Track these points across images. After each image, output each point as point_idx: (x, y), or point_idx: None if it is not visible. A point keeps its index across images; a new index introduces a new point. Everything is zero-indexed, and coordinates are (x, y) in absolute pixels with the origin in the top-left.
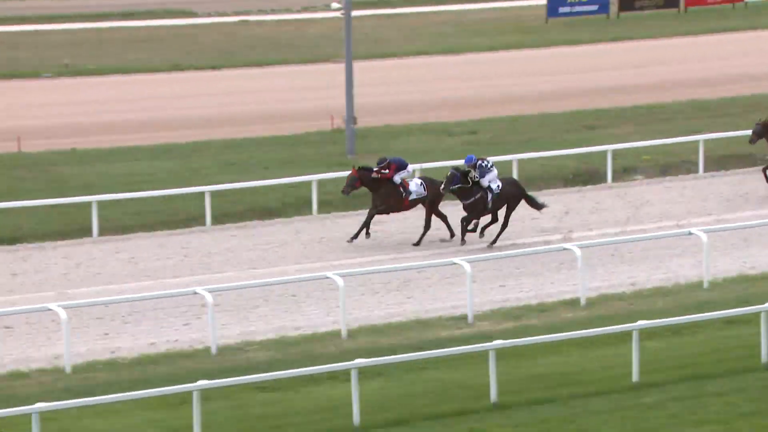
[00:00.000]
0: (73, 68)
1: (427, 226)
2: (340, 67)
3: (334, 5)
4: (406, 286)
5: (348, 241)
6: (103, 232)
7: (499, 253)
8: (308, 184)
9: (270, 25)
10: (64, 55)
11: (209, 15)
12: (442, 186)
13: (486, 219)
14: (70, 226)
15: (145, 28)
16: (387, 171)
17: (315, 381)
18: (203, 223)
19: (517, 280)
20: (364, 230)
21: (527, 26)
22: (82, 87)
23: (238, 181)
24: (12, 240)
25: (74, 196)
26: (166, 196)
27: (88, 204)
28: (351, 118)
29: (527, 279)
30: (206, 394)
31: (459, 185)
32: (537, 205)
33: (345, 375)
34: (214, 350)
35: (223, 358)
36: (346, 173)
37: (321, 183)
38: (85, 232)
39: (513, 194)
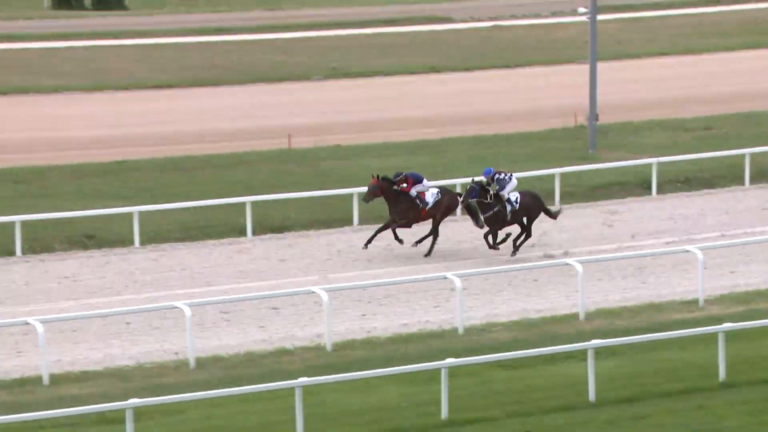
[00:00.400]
0: (339, 71)
1: (435, 234)
2: (584, 68)
3: (581, 10)
4: (641, 272)
5: (363, 248)
6: (362, 221)
7: (729, 241)
8: (552, 176)
9: (521, 29)
10: (332, 59)
11: (465, 21)
12: (461, 198)
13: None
14: (333, 216)
15: (406, 33)
16: (405, 185)
17: (553, 360)
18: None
19: (747, 267)
20: (393, 237)
21: (763, 28)
22: (347, 88)
23: None
24: (281, 228)
25: (337, 188)
26: None
27: (350, 195)
28: (593, 116)
29: (757, 266)
30: (453, 371)
31: (477, 198)
32: (552, 215)
33: (581, 355)
34: (461, 330)
35: (469, 338)
36: (589, 167)
37: (564, 176)
38: (347, 221)
39: (532, 205)
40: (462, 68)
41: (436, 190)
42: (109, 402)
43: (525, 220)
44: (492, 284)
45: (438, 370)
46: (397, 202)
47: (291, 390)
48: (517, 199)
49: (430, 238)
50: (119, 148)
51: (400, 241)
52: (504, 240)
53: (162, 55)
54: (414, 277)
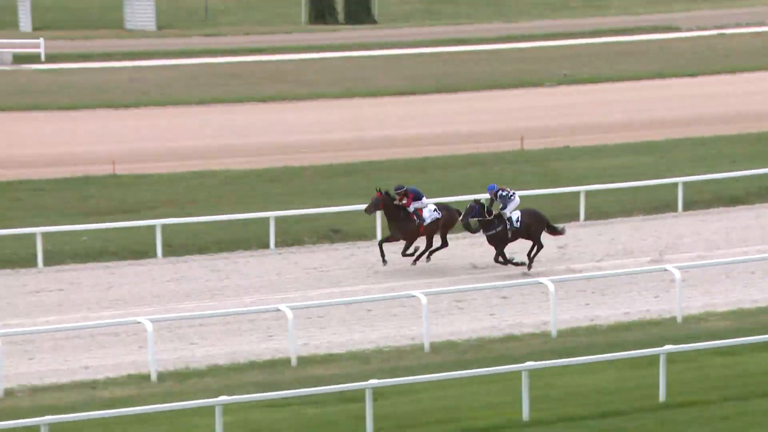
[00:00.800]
0: (570, 78)
1: (444, 243)
2: None
3: None
4: None
5: (383, 264)
6: (588, 217)
7: None
8: None
9: (745, 37)
10: (564, 66)
11: (691, 29)
12: (461, 217)
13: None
14: (561, 212)
15: (635, 42)
16: (405, 200)
17: None
18: (675, 209)
19: None
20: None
21: None
22: (577, 93)
23: (708, 173)
24: None
25: (565, 186)
26: (642, 186)
27: (577, 194)
28: None
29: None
30: (671, 357)
31: (477, 218)
32: (557, 232)
33: None
34: (679, 319)
35: (687, 326)
36: None
37: None
38: (574, 216)
39: (532, 223)
40: (687, 74)
41: (433, 207)
42: (351, 382)
43: (531, 236)
44: (710, 276)
45: (656, 356)
46: (397, 218)
47: (518, 373)
48: (518, 218)
49: (440, 249)
50: (360, 150)
51: (384, 261)
52: (512, 260)
53: (406, 64)
54: (633, 270)
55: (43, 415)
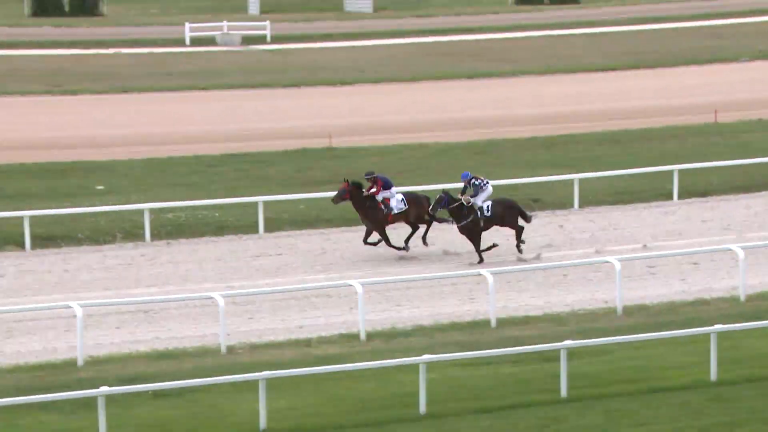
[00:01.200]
0: (766, 53)
1: (415, 228)
2: None
3: None
4: None
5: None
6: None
7: None
8: None
9: None
10: (760, 42)
11: None
12: (430, 208)
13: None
14: (752, 182)
15: None
16: (374, 188)
17: None
18: None
19: None
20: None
21: None
22: None
23: None
24: (704, 193)
25: (758, 157)
26: None
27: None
28: None
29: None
30: None
31: (447, 207)
32: (527, 217)
33: None
34: None
35: None
36: None
37: None
38: (765, 186)
39: (503, 213)
40: None
41: (401, 197)
42: (547, 343)
43: (508, 226)
44: None
45: None
46: (364, 207)
47: (707, 336)
48: (488, 207)
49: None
50: (563, 123)
51: (374, 244)
52: (490, 248)
53: (607, 41)
54: None
55: (261, 371)
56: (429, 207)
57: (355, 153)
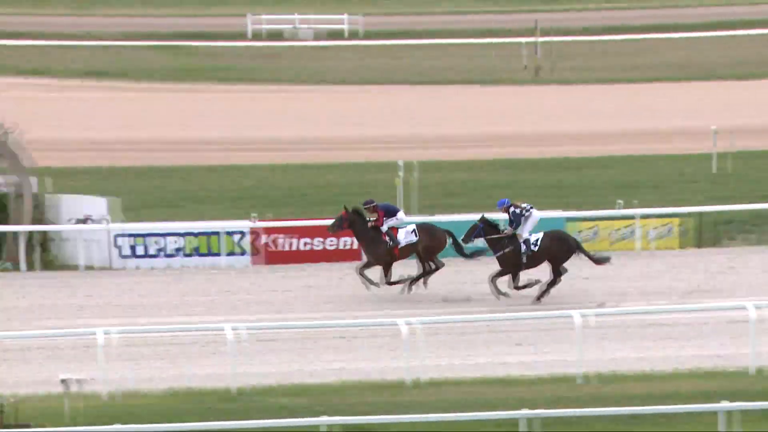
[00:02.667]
0: None
1: (429, 269)
2: None
3: None
4: None
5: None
6: None
7: None
8: None
9: None
10: None
11: None
12: (462, 237)
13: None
14: None
15: None
16: (375, 217)
17: None
18: None
19: None
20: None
21: None
22: None
23: None
24: None
25: None
26: None
27: None
28: None
29: None
30: None
31: (482, 237)
32: (595, 260)
33: None
34: None
35: None
36: None
37: None
38: None
39: (555, 249)
40: None
41: (411, 228)
42: None
43: (550, 264)
44: None
45: None
46: (366, 238)
47: None
48: (537, 241)
49: (432, 272)
50: None
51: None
52: (528, 285)
53: None
54: None
55: None
56: (447, 242)
57: None
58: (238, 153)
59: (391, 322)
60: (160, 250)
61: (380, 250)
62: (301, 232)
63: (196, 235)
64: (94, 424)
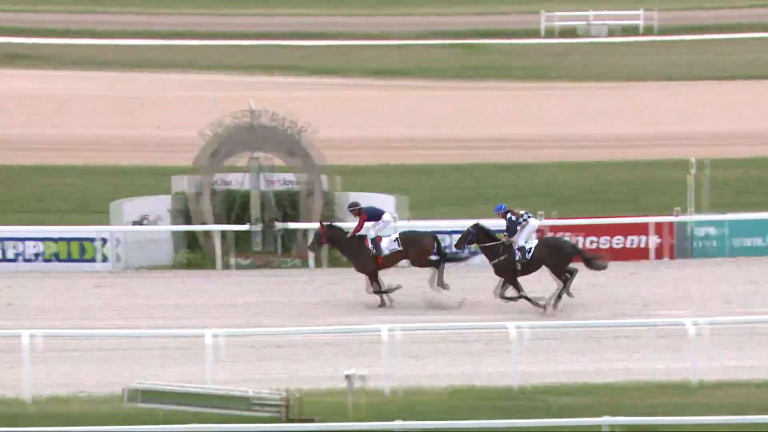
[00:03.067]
0: None
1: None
2: None
3: None
4: None
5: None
6: None
7: None
8: None
9: None
10: None
11: None
12: (455, 243)
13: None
14: None
15: None
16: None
17: None
18: None
19: None
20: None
21: None
22: None
23: None
24: None
25: None
26: None
27: None
28: None
29: None
30: None
31: (476, 244)
32: (592, 265)
33: None
34: None
35: None
36: None
37: None
38: None
39: (548, 255)
40: None
41: (395, 237)
42: None
43: (551, 271)
44: None
45: None
46: (349, 250)
47: None
48: (531, 248)
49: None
50: None
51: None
52: (515, 299)
53: None
54: None
55: None
56: (434, 247)
57: None
58: (526, 151)
59: (676, 322)
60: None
61: (364, 260)
62: (588, 230)
63: None
64: (376, 420)
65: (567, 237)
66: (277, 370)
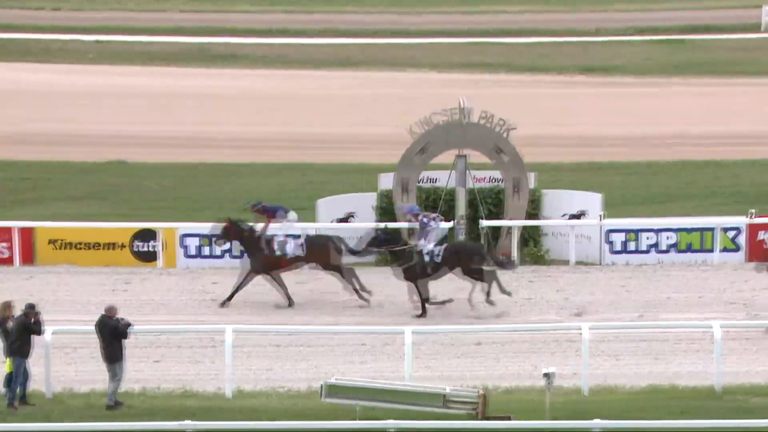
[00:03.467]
0: None
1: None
2: None
3: None
4: None
5: (220, 305)
6: None
7: None
8: None
9: None
10: None
11: None
12: (354, 244)
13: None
14: None
15: None
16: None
17: None
18: None
19: None
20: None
21: None
22: None
23: None
24: None
25: None
26: None
27: None
28: None
29: None
30: None
31: (384, 247)
32: (502, 265)
33: None
34: None
35: None
36: None
37: None
38: None
39: (459, 260)
40: None
41: (300, 241)
42: None
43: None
44: None
45: None
46: (249, 249)
47: None
48: (440, 251)
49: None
50: None
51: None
52: (443, 303)
53: None
54: None
55: None
56: (340, 250)
57: None
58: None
59: None
60: (651, 246)
61: (259, 259)
62: None
63: (689, 231)
64: (574, 419)
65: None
66: (474, 368)
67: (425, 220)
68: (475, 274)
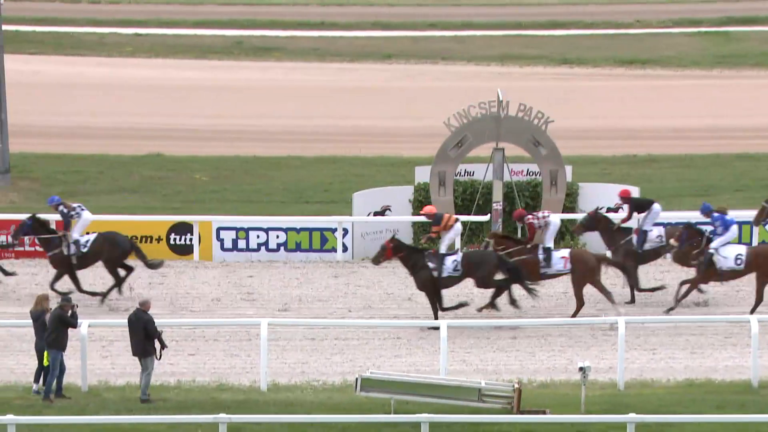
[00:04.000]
0: None
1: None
2: None
3: None
4: None
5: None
6: None
7: None
8: None
9: None
10: None
11: None
12: (11, 234)
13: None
14: None
15: None
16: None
17: None
18: None
19: None
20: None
21: None
22: None
23: None
24: None
25: None
26: None
27: None
28: None
29: None
30: None
31: (33, 235)
32: (150, 264)
33: None
34: None
35: None
36: None
37: None
38: None
39: (105, 251)
40: None
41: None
42: None
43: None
44: None
45: None
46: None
47: None
48: (87, 241)
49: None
50: None
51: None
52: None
53: None
54: None
55: None
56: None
57: None
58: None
59: None
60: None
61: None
62: None
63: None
64: (609, 413)
65: None
66: (509, 362)
67: (65, 210)
68: (117, 267)
